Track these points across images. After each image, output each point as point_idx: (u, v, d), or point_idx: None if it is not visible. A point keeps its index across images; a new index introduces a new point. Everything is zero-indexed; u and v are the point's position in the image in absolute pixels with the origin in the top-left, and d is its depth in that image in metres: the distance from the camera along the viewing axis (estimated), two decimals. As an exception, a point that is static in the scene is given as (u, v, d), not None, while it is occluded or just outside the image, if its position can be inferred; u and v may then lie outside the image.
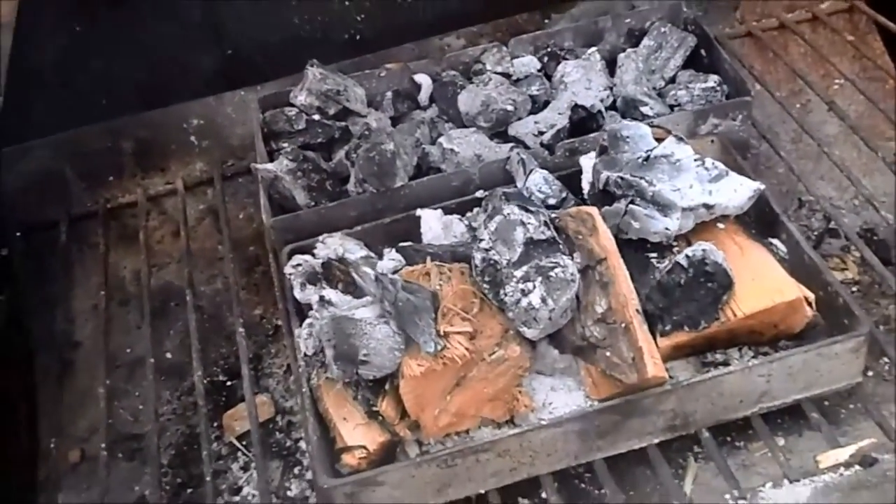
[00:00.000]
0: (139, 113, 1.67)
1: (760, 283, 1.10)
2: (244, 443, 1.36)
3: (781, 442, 1.17)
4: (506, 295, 1.05)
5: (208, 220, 1.64)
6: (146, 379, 1.37)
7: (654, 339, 1.08)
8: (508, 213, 1.08)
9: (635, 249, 1.13)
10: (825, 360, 1.09)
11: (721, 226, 1.15)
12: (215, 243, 1.61)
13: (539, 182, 1.23)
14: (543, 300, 1.03)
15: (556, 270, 1.04)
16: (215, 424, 1.41)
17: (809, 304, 1.11)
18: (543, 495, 1.13)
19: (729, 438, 1.20)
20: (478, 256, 1.08)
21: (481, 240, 1.08)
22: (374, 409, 1.07)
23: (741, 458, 1.17)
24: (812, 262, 1.17)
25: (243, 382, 1.30)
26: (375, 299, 1.08)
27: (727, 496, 1.05)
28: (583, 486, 1.18)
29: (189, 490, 1.34)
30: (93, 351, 1.49)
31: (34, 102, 1.63)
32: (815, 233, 1.53)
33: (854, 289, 1.44)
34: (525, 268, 1.04)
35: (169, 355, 1.52)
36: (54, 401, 1.44)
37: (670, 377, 1.08)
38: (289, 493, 1.29)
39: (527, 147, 1.36)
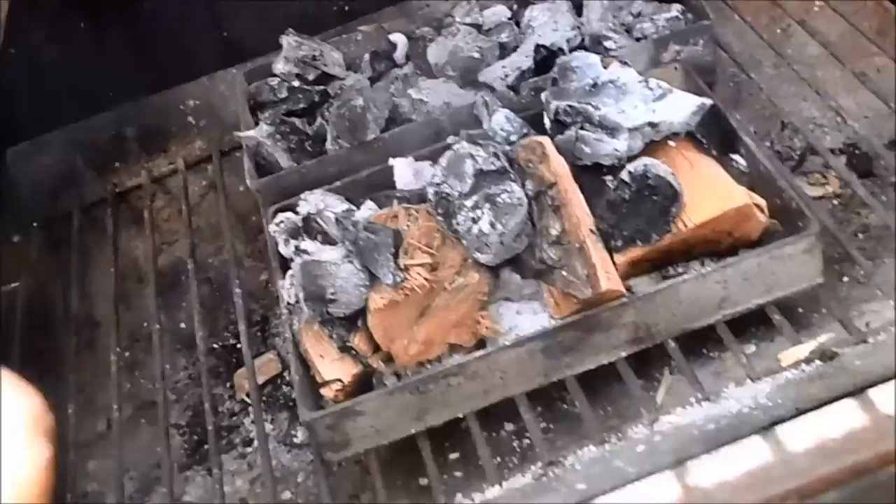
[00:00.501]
0: (140, 99, 1.76)
1: (710, 193, 1.13)
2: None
3: (752, 349, 1.20)
4: (458, 225, 1.10)
5: (211, 195, 1.72)
6: (161, 348, 1.45)
7: (611, 256, 1.12)
8: (458, 149, 1.12)
9: (591, 174, 1.17)
10: (779, 263, 1.11)
11: (672, 144, 1.18)
12: (219, 217, 1.68)
13: (501, 121, 1.27)
14: (492, 225, 1.07)
15: (503, 196, 1.08)
16: (228, 384, 1.48)
17: (761, 210, 1.13)
18: (522, 421, 1.17)
19: (704, 350, 1.23)
20: (430, 191, 1.13)
21: (434, 175, 1.13)
22: (348, 344, 1.13)
23: (713, 367, 1.21)
24: (767, 170, 1.19)
25: (242, 341, 1.37)
26: (342, 242, 1.14)
27: (692, 399, 1.08)
28: (564, 406, 1.23)
29: (206, 446, 1.42)
30: (111, 328, 1.57)
31: (42, 98, 1.73)
32: (798, 152, 1.55)
33: (835, 202, 1.45)
34: (474, 197, 1.09)
35: (182, 325, 1.60)
36: (79, 376, 1.52)
37: (631, 292, 1.12)
38: (295, 439, 1.36)
39: (494, 91, 1.40)
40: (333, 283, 1.10)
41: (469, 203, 1.09)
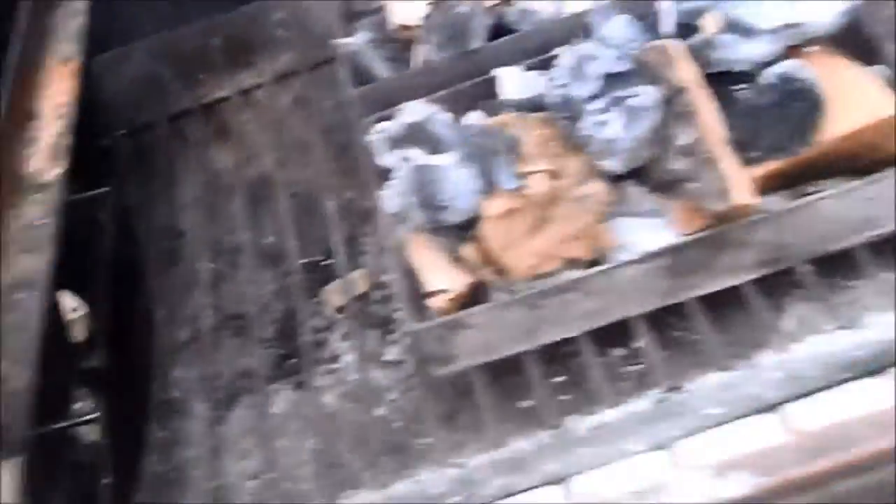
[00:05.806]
0: (228, 10, 1.70)
1: (856, 101, 1.04)
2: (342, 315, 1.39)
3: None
4: (584, 129, 1.02)
5: (298, 110, 1.66)
6: (249, 260, 1.40)
7: (745, 169, 1.04)
8: (583, 50, 1.05)
9: (720, 83, 1.08)
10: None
11: (811, 49, 1.09)
12: (306, 132, 1.63)
13: (622, 27, 1.19)
14: (624, 128, 1.00)
15: (635, 99, 1.00)
16: (315, 301, 1.43)
17: (913, 123, 1.04)
18: (636, 344, 1.11)
19: (839, 276, 1.12)
20: (555, 94, 1.05)
21: (555, 78, 1.05)
22: (459, 255, 1.07)
23: (849, 296, 1.11)
24: (916, 84, 1.09)
25: (336, 252, 1.33)
26: (455, 147, 1.07)
27: (826, 327, 1.01)
28: (676, 333, 1.15)
29: (292, 360, 1.38)
30: (196, 239, 1.54)
31: (128, 8, 1.68)
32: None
33: None
34: (603, 100, 1.02)
35: (268, 240, 1.55)
36: (163, 286, 1.49)
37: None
38: (385, 357, 1.31)
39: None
40: (446, 189, 1.03)
41: (596, 106, 1.02)
